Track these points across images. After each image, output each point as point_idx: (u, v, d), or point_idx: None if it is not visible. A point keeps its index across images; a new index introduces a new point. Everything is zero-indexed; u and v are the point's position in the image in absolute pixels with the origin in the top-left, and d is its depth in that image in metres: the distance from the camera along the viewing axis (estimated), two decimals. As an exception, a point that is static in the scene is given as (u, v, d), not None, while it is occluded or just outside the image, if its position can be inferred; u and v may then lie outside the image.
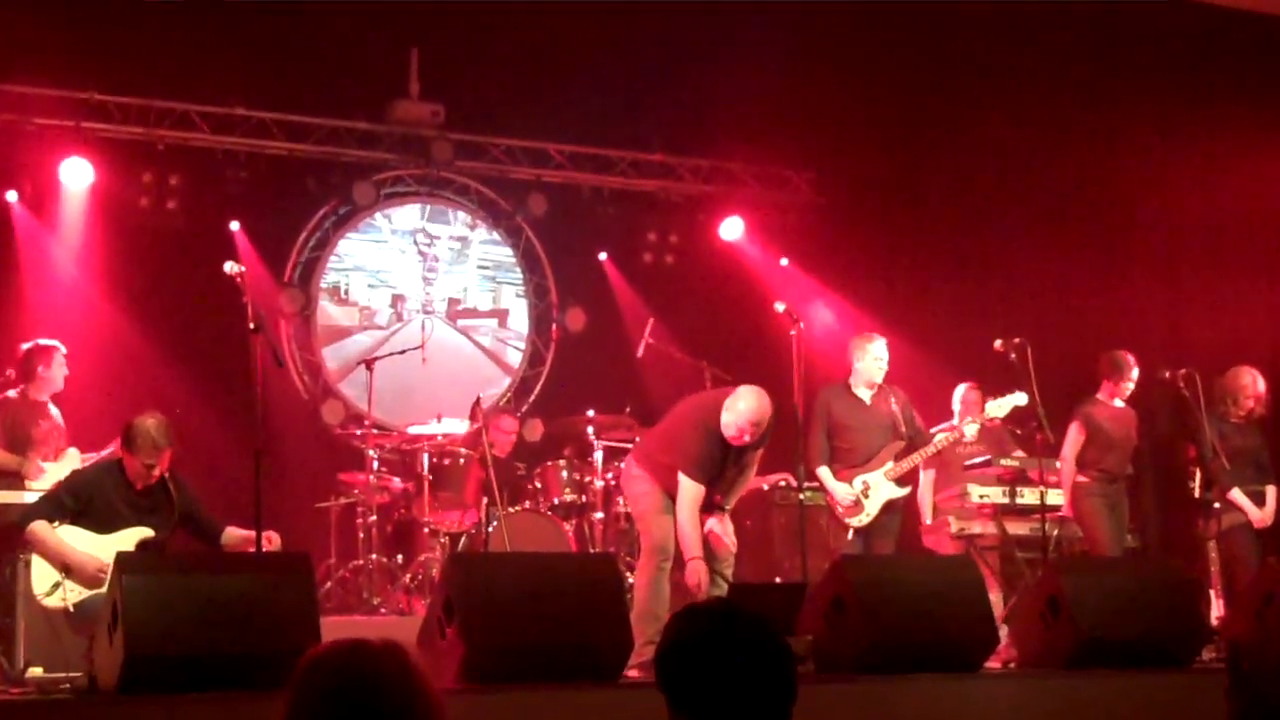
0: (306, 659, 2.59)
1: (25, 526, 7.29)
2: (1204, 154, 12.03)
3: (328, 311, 13.15)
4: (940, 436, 9.40)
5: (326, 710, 2.52)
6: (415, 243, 13.55)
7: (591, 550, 10.67)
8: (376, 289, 13.39)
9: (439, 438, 11.09)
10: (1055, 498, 9.75)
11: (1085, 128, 12.31)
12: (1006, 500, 9.99)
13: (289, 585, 5.92)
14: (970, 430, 9.39)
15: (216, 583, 5.77)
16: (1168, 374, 9.90)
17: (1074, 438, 9.92)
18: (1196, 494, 9.84)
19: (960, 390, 10.69)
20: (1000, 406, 9.40)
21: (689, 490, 8.13)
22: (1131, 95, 12.04)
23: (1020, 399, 9.27)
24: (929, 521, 10.20)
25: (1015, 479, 10.00)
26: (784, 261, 13.85)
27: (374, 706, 2.52)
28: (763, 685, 2.86)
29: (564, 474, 10.98)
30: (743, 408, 8.12)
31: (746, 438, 8.15)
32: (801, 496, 9.41)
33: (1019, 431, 10.29)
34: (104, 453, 8.56)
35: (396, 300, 13.42)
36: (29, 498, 8.16)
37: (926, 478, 10.11)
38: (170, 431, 7.37)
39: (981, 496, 10.00)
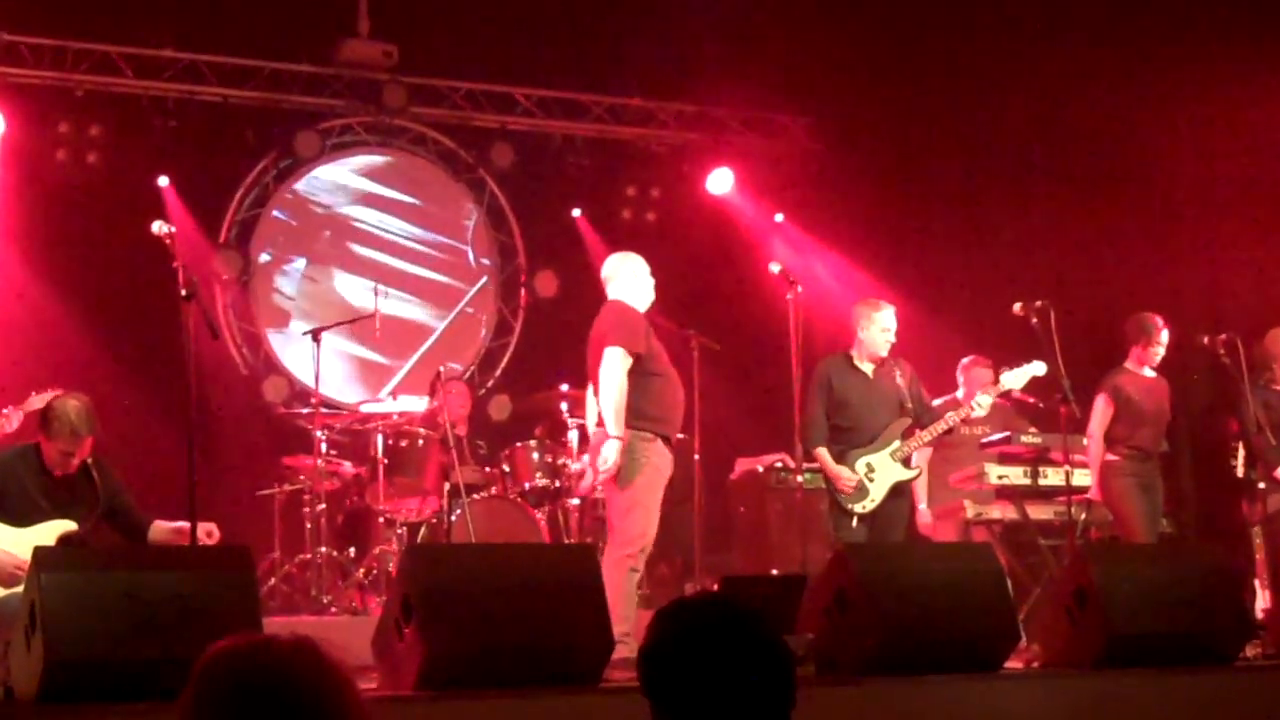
0: (205, 659, 2.53)
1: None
2: (1244, 102, 12.00)
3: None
4: (950, 414, 9.38)
5: (227, 717, 2.47)
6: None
7: (567, 540, 10.68)
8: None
9: (394, 417, 11.08)
10: (1082, 478, 9.76)
11: (1115, 71, 12.27)
12: (1028, 481, 10.01)
13: (228, 583, 5.90)
14: (984, 402, 9.36)
15: (146, 581, 5.74)
16: (1206, 339, 9.89)
17: (1101, 411, 9.92)
18: (1239, 473, 9.86)
19: (963, 363, 10.68)
20: (1016, 377, 9.38)
21: (615, 360, 8.30)
22: (1166, 37, 11.99)
23: (1038, 369, 9.26)
24: (924, 506, 10.20)
25: (1037, 458, 10.01)
26: (779, 217, 13.84)
27: (280, 713, 2.47)
28: (757, 689, 2.85)
29: (535, 456, 10.96)
30: (632, 265, 8.77)
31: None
32: (800, 479, 9.43)
33: (1041, 405, 10.29)
34: None
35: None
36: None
37: (923, 457, 10.10)
38: (93, 418, 7.33)
39: (1000, 477, 10.01)
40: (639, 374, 8.35)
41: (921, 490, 10.08)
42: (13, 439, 8.65)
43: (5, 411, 8.93)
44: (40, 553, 5.84)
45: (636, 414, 8.32)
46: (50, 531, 7.25)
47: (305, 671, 2.49)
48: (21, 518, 7.25)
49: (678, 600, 3.05)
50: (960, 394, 10.42)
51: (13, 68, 11.73)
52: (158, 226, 7.52)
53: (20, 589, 6.58)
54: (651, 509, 8.31)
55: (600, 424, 8.47)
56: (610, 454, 8.22)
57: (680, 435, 8.72)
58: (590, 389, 8.74)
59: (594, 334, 8.57)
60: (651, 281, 8.75)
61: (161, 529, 7.52)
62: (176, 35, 12.18)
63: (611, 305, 8.65)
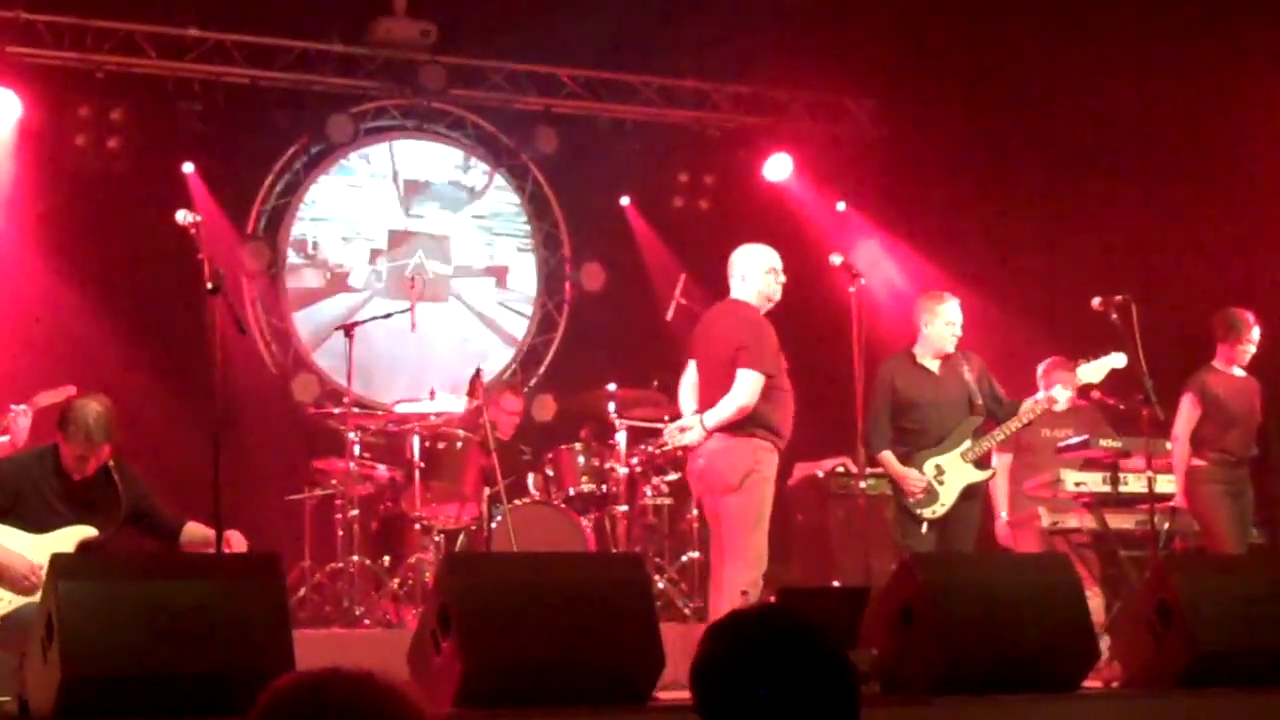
0: (264, 699, 2.54)
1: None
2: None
3: (298, 270, 13.15)
4: (1026, 407, 9.30)
5: None
6: (398, 188, 13.55)
7: (614, 550, 10.67)
8: (352, 242, 13.39)
9: (432, 418, 11.08)
10: (1166, 484, 9.70)
11: (1204, 51, 12.17)
12: (1107, 488, 9.91)
13: (255, 592, 5.92)
14: (1062, 397, 9.29)
15: (169, 590, 5.76)
16: (1299, 336, 9.84)
17: (1187, 413, 9.86)
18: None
19: (1043, 366, 10.62)
20: (1094, 370, 9.34)
21: (753, 386, 8.34)
22: (1255, 25, 11.91)
23: (1118, 360, 9.21)
24: (1005, 515, 10.15)
25: (1118, 463, 9.94)
26: (840, 206, 13.80)
27: None
28: (818, 708, 2.83)
29: (580, 459, 10.96)
30: (756, 258, 8.70)
31: (780, 282, 8.73)
32: (864, 485, 9.40)
33: (1121, 406, 10.23)
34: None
35: (375, 256, 13.43)
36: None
37: (1002, 463, 10.04)
38: (112, 425, 7.34)
39: (1078, 484, 9.92)
40: (770, 387, 8.41)
41: (1002, 499, 10.05)
42: (30, 438, 8.71)
43: (13, 410, 8.98)
44: (58, 560, 5.87)
45: (765, 424, 8.38)
46: (69, 538, 7.28)
47: (372, 710, 2.49)
48: (39, 523, 7.28)
49: (733, 613, 3.03)
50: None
51: (31, 48, 11.79)
52: (182, 216, 7.56)
53: (36, 597, 6.62)
54: (766, 524, 8.37)
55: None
56: (691, 437, 8.41)
57: None
58: (690, 379, 8.74)
59: (724, 340, 8.52)
60: (777, 277, 8.74)
61: (195, 531, 7.56)
62: (202, 14, 12.23)
63: (743, 311, 8.62)
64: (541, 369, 13.73)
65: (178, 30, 12.22)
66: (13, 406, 9.04)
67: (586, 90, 13.53)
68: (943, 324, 9.30)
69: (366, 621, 10.11)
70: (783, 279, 8.70)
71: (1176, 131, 12.53)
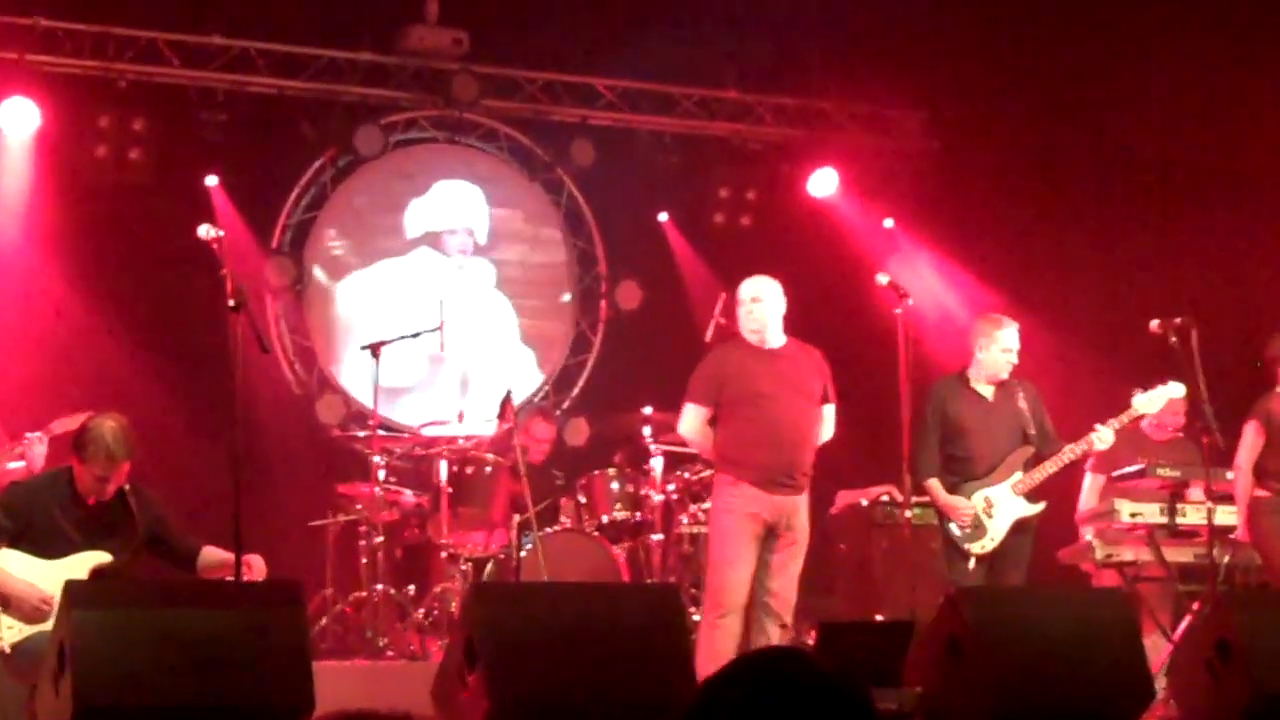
0: None
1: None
2: None
3: (324, 286, 13.18)
4: (1072, 446, 9.23)
5: None
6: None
7: (648, 580, 10.66)
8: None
9: (460, 441, 11.09)
10: (1226, 516, 9.64)
11: (1268, 64, 12.15)
12: (1164, 519, 9.87)
13: (276, 622, 5.93)
14: (1106, 435, 9.23)
15: (186, 619, 5.77)
16: (1367, 359, 9.78)
17: (1250, 441, 9.79)
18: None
19: None
20: (1151, 401, 9.31)
21: (684, 415, 9.00)
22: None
23: (1175, 390, 9.18)
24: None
25: (1175, 493, 9.88)
26: (888, 223, 13.77)
27: None
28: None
29: (614, 486, 10.96)
30: (740, 293, 9.10)
31: (753, 312, 8.99)
32: (909, 514, 9.36)
33: (1181, 434, 10.19)
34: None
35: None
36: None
37: (1094, 483, 10.01)
38: (132, 440, 7.37)
39: (1133, 515, 9.87)
40: (726, 417, 8.82)
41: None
42: (46, 465, 8.75)
43: (28, 437, 9.02)
44: (71, 587, 5.89)
45: (723, 457, 8.83)
46: (82, 564, 7.30)
47: None
48: (51, 549, 7.29)
49: (740, 656, 2.91)
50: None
51: (50, 56, 11.83)
52: (204, 230, 7.59)
53: (47, 626, 6.64)
54: (729, 561, 8.64)
55: None
56: None
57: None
58: None
59: None
60: (746, 309, 9.04)
61: (213, 556, 7.57)
62: (227, 21, 12.27)
63: (706, 359, 9.24)
64: (575, 391, 13.72)
65: (202, 38, 12.26)
66: (28, 434, 9.08)
67: (624, 101, 13.54)
68: (999, 350, 9.27)
69: (390, 653, 10.12)
70: (755, 307, 9.01)
71: (1238, 150, 12.48)
